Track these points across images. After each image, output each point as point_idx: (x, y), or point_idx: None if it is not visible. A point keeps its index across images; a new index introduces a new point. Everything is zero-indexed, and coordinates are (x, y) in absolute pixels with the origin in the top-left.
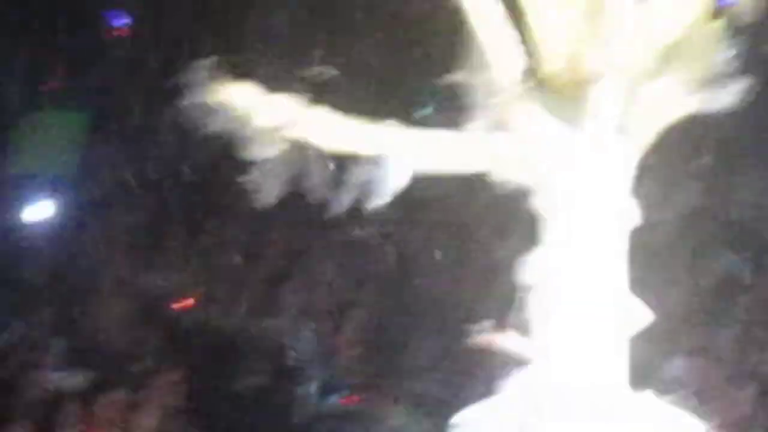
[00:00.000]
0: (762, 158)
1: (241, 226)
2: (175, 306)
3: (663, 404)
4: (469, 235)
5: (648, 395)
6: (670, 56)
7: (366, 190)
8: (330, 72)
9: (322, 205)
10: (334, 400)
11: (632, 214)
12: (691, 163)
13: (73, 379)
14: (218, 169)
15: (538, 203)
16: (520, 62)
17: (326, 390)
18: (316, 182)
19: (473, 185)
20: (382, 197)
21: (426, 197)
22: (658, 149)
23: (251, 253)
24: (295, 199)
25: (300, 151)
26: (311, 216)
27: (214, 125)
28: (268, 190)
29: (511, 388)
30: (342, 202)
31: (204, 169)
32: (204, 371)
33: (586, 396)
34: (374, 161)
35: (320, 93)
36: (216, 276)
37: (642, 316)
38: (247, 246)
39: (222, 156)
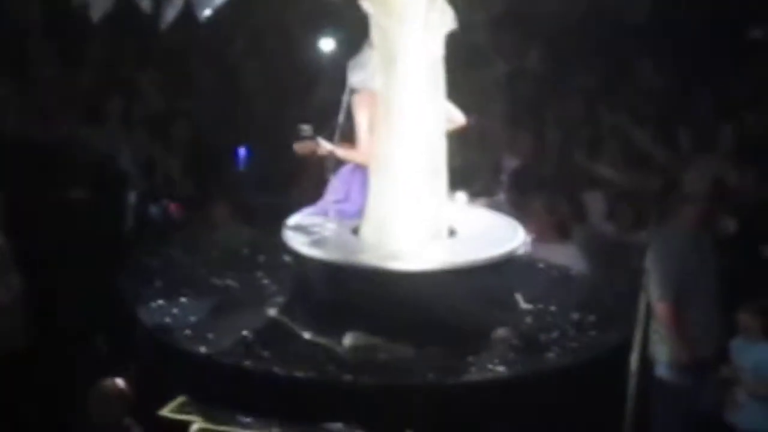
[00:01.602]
0: None
1: (65, 36)
2: None
3: (477, 207)
4: (295, 40)
5: (461, 196)
6: None
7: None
8: None
9: (150, 16)
10: (158, 209)
11: (449, 18)
12: None
13: None
14: None
15: (364, 6)
16: None
17: (149, 199)
18: None
19: None
20: (209, 7)
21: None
22: None
23: (74, 64)
24: (121, 10)
25: None
26: (137, 26)
27: None
28: (97, 4)
29: (336, 189)
30: (170, 13)
31: None
32: (27, 183)
33: (406, 196)
34: None
35: None
36: (39, 87)
37: (456, 117)
38: (71, 56)
39: None
